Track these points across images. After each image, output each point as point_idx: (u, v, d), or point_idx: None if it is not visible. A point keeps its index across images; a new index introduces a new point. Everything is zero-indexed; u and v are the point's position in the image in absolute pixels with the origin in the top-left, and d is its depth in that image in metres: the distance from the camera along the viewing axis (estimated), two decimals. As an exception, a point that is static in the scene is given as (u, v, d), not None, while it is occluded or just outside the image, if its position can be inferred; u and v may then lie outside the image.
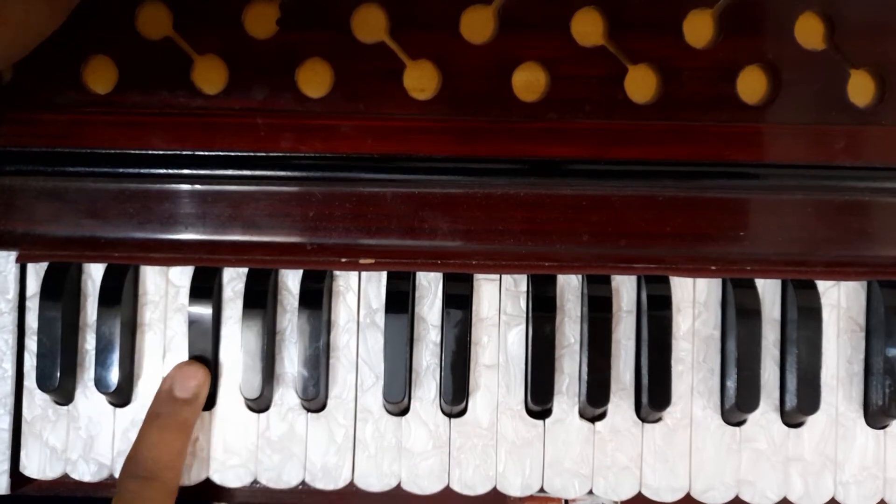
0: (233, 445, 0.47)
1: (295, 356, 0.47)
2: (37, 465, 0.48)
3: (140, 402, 0.48)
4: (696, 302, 0.48)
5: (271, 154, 0.46)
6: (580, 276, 0.47)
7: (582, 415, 0.47)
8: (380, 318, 0.47)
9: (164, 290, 0.48)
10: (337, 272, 0.48)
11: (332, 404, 0.47)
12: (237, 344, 0.47)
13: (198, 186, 0.47)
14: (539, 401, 0.46)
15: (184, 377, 0.46)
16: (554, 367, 0.46)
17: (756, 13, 0.46)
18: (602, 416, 0.47)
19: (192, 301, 0.47)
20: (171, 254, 0.47)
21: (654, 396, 0.46)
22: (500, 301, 0.48)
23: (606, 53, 0.46)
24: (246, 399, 0.47)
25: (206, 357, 0.47)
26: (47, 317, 0.47)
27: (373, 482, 0.47)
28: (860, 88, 0.46)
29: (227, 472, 0.47)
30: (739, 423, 0.47)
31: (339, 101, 0.46)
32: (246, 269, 0.47)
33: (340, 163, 0.46)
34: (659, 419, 0.47)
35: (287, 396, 0.47)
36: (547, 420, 0.47)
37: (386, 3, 0.46)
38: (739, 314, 0.46)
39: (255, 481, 0.47)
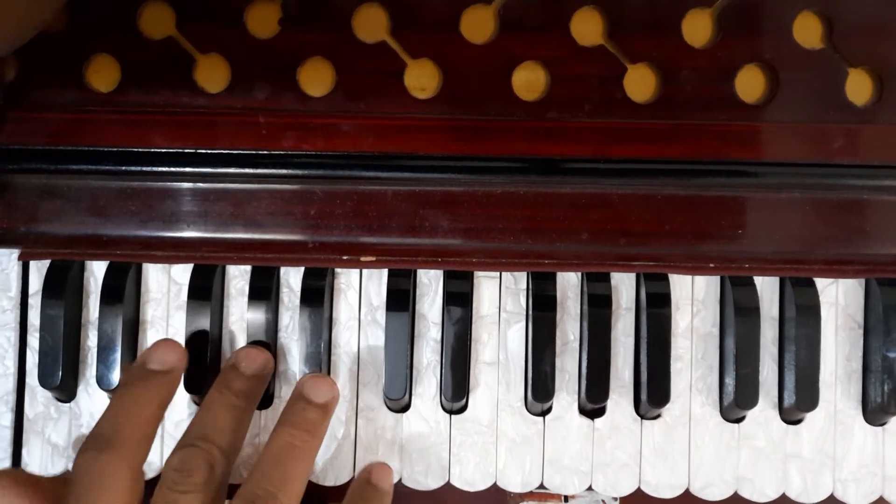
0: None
1: (296, 353, 0.47)
2: (38, 462, 0.48)
3: (142, 399, 0.48)
4: (694, 299, 0.48)
5: (273, 152, 0.46)
6: (580, 274, 0.48)
7: (581, 412, 0.48)
8: (381, 315, 0.47)
9: (167, 287, 0.48)
10: (338, 270, 0.48)
11: (333, 401, 0.48)
12: (239, 341, 0.48)
13: (200, 184, 0.47)
14: (539, 398, 0.46)
15: (161, 349, 0.44)
16: (554, 364, 0.46)
17: (754, 13, 0.46)
18: (601, 413, 0.48)
19: (193, 299, 0.47)
20: (173, 252, 0.47)
21: (653, 393, 0.46)
22: (500, 298, 0.48)
23: (606, 53, 0.46)
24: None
25: (206, 355, 0.47)
26: (49, 314, 0.47)
27: (373, 479, 0.47)
28: (858, 87, 0.46)
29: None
30: (738, 421, 0.48)
31: (341, 99, 0.46)
32: (248, 267, 0.48)
33: (342, 161, 0.46)
34: (658, 416, 0.47)
35: (289, 393, 0.47)
36: (547, 417, 0.47)
37: (387, 2, 0.46)
38: (738, 312, 0.46)
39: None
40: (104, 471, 0.39)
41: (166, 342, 0.45)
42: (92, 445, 0.40)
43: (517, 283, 0.48)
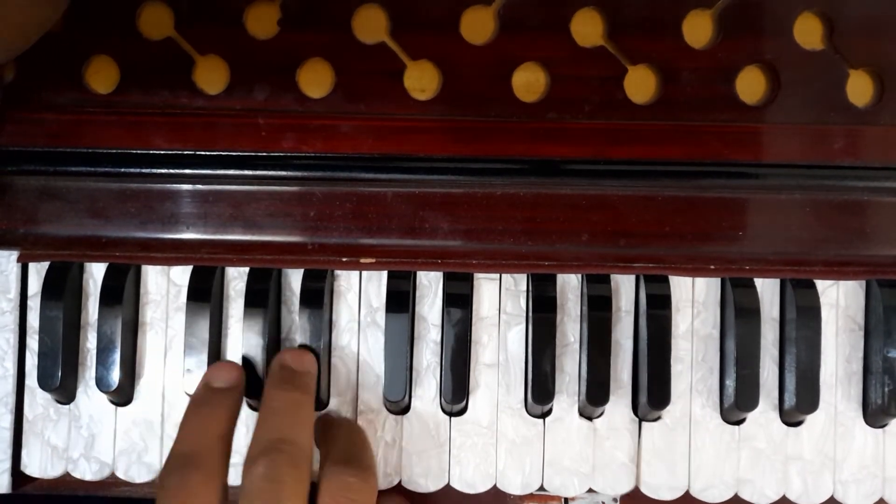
0: (234, 444, 0.47)
1: (296, 355, 0.47)
2: (38, 464, 0.48)
3: (141, 401, 0.48)
4: (695, 301, 0.48)
5: (272, 154, 0.46)
6: (580, 276, 0.48)
7: (581, 413, 0.48)
8: (380, 317, 0.47)
9: (166, 289, 0.48)
10: (338, 271, 0.48)
11: (334, 403, 0.48)
12: (240, 343, 0.48)
13: (199, 186, 0.47)
14: (539, 400, 0.46)
15: (224, 368, 0.46)
16: (554, 366, 0.46)
17: (755, 13, 0.46)
18: (601, 415, 0.47)
19: (192, 300, 0.47)
20: (173, 253, 0.47)
21: (653, 395, 0.46)
22: (500, 300, 0.48)
23: (606, 54, 0.46)
24: (247, 399, 0.47)
25: (206, 357, 0.47)
26: (49, 316, 0.47)
27: (373, 481, 0.47)
28: (859, 88, 0.46)
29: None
30: (738, 422, 0.48)
31: (340, 101, 0.46)
32: (247, 269, 0.48)
33: (341, 163, 0.46)
34: (658, 418, 0.47)
35: (288, 395, 0.48)
36: (547, 419, 0.47)
37: (386, 3, 0.46)
38: (738, 313, 0.46)
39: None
40: (195, 490, 0.38)
41: (226, 363, 0.46)
42: (177, 464, 0.40)
43: (517, 284, 0.48)
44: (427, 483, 0.47)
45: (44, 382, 0.47)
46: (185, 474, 0.39)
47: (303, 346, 0.47)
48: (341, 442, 0.43)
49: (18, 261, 0.48)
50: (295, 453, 0.40)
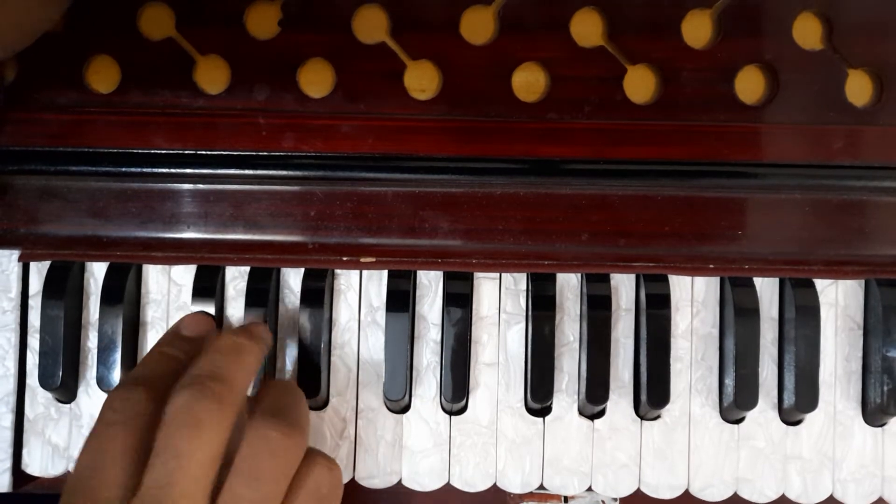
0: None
1: (296, 354, 0.47)
2: (39, 463, 0.48)
3: (142, 400, 0.48)
4: (694, 300, 0.48)
5: (273, 153, 0.46)
6: (579, 275, 0.48)
7: (581, 413, 0.48)
8: (380, 316, 0.48)
9: (167, 288, 0.48)
10: (338, 271, 0.48)
11: (334, 402, 0.48)
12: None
13: (200, 186, 0.47)
14: (539, 399, 0.46)
15: (189, 318, 0.46)
16: (553, 365, 0.46)
17: (754, 14, 0.46)
18: (601, 414, 0.48)
19: (194, 300, 0.47)
20: (173, 253, 0.47)
21: (652, 394, 0.46)
22: (499, 299, 0.48)
23: (606, 54, 0.46)
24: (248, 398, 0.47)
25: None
26: (50, 315, 0.47)
27: (374, 480, 0.47)
28: (858, 88, 0.46)
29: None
30: (738, 421, 0.48)
31: (341, 101, 0.46)
32: (247, 268, 0.48)
33: (341, 162, 0.46)
34: (658, 417, 0.48)
35: (288, 394, 0.48)
36: (546, 418, 0.48)
37: (387, 4, 0.46)
38: (738, 313, 0.46)
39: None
40: (142, 402, 0.39)
41: (199, 313, 0.46)
42: (128, 385, 0.39)
43: (517, 284, 0.48)
44: (427, 482, 0.47)
45: (45, 381, 0.47)
46: (132, 390, 0.39)
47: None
48: (271, 397, 0.42)
49: (20, 260, 0.48)
50: (222, 393, 0.38)
